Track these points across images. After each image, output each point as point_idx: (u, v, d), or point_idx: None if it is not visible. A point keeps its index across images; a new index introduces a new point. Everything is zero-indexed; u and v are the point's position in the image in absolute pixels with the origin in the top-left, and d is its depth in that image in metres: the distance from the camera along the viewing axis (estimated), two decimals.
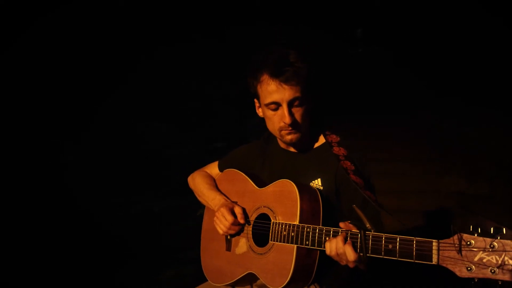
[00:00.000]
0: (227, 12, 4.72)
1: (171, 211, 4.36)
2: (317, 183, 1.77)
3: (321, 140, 1.86)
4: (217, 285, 1.94)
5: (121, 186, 4.38)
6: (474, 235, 1.11)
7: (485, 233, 1.10)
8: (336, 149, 1.75)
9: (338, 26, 4.89)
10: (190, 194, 2.24)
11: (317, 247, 1.53)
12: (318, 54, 2.61)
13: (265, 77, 1.69)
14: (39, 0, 3.94)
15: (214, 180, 2.14)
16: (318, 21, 4.90)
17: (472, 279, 1.09)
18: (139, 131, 4.93)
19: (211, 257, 2.01)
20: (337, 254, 1.42)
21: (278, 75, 1.65)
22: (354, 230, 1.41)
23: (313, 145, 1.88)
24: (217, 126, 5.18)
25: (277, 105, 1.70)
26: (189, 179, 2.22)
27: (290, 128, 1.71)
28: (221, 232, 1.85)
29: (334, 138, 1.80)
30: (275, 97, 1.67)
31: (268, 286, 1.68)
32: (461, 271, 1.10)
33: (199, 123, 5.20)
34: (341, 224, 1.46)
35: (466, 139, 4.51)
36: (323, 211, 1.65)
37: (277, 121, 1.72)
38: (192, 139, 5.01)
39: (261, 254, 1.74)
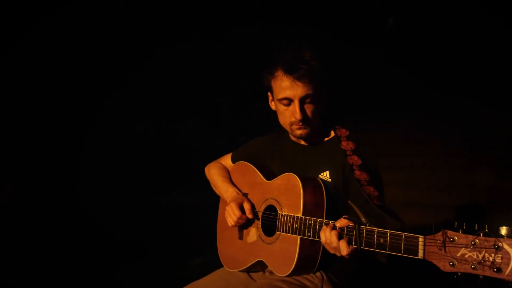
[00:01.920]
0: (227, 12, 4.73)
1: (197, 205, 4.47)
2: (325, 175, 1.82)
3: (331, 134, 1.91)
4: (232, 270, 2.06)
5: (149, 183, 4.61)
6: (459, 231, 1.16)
7: (468, 230, 1.15)
8: (344, 144, 1.79)
9: (338, 26, 4.88)
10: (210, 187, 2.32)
11: (317, 238, 1.60)
12: (331, 54, 2.61)
13: (280, 73, 1.73)
14: (39, 0, 3.96)
15: (228, 171, 2.22)
16: (318, 21, 4.91)
17: (455, 273, 1.13)
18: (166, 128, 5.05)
19: (226, 245, 2.15)
20: (333, 248, 1.50)
21: (292, 71, 1.68)
22: (350, 224, 1.46)
23: (323, 139, 1.94)
24: (242, 121, 5.23)
25: (289, 101, 1.74)
26: (206, 170, 2.32)
27: (300, 124, 1.76)
28: (230, 225, 1.96)
29: (344, 132, 1.84)
30: (288, 93, 1.71)
31: (275, 273, 1.79)
32: (444, 266, 1.16)
33: (224, 118, 5.28)
34: (337, 223, 1.52)
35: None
36: (327, 203, 1.72)
37: (289, 116, 1.78)
38: (218, 134, 5.09)
39: (269, 243, 1.85)
